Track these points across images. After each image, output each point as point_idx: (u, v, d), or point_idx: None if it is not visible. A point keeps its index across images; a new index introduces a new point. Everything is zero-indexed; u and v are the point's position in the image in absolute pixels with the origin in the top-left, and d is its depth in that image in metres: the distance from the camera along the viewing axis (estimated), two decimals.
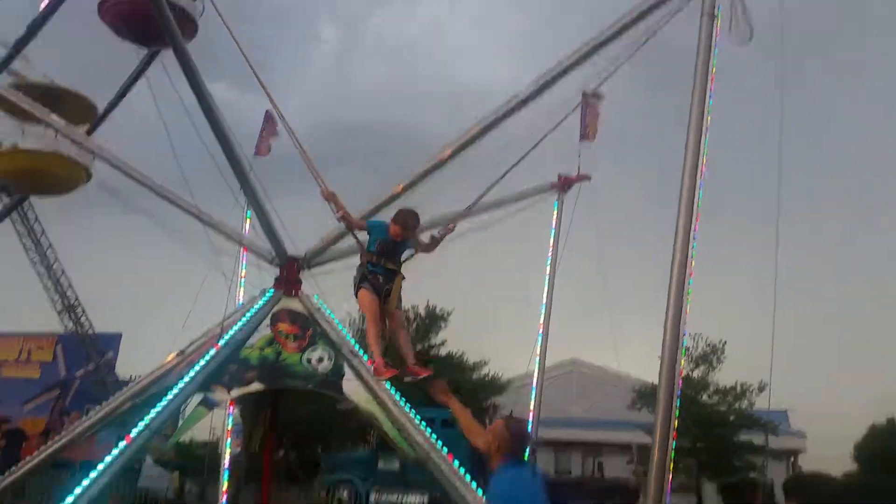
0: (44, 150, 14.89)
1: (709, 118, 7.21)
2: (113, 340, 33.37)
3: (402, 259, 5.59)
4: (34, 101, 13.53)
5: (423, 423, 9.15)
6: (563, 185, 13.43)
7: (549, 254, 13.71)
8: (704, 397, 32.41)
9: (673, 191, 7.25)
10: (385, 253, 5.41)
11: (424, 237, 5.80)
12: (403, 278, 5.55)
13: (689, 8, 7.51)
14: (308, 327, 9.33)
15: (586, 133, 12.88)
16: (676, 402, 6.82)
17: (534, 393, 13.70)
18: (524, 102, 8.77)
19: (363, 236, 5.65)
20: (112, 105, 22.59)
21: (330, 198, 5.74)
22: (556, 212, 13.64)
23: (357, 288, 5.46)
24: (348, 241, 10.07)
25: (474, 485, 8.47)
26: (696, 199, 7.08)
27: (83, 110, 18.08)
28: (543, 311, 13.65)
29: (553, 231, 13.65)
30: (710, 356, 32.64)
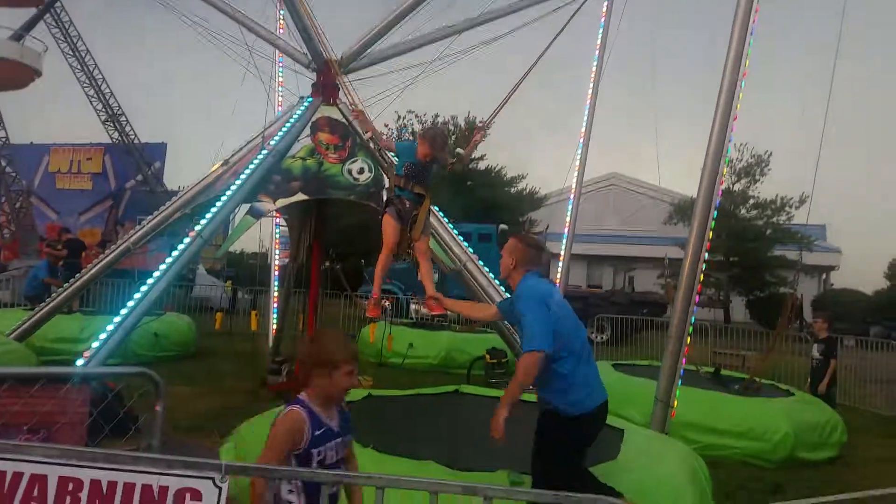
0: None
1: None
2: (158, 150, 34.01)
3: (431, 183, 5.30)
4: None
5: (461, 236, 9.38)
6: None
7: (596, 54, 13.05)
8: (742, 211, 32.32)
9: None
10: (413, 176, 5.20)
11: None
12: (430, 206, 5.34)
13: None
14: (348, 136, 9.29)
15: None
16: (713, 214, 6.83)
17: (570, 206, 13.75)
18: None
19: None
20: None
21: (358, 115, 5.53)
22: (605, 4, 12.83)
23: (382, 212, 5.34)
24: (386, 43, 9.77)
25: (508, 296, 8.84)
26: None
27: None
28: (586, 118, 13.27)
29: (601, 27, 12.90)
30: (754, 168, 32.07)
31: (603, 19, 12.74)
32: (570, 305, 4.33)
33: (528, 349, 3.93)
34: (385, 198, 5.29)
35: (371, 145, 5.43)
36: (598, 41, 12.82)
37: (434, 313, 5.45)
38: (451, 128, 39.80)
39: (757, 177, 32.15)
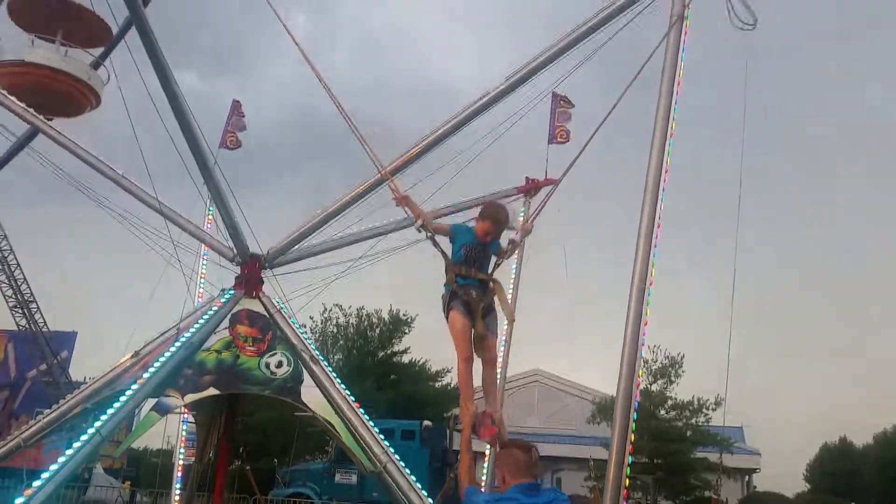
0: (50, 66, 14.16)
1: (674, 124, 7.23)
2: (68, 339, 32.52)
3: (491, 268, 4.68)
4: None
5: (383, 433, 9.02)
6: (531, 188, 13.40)
7: (515, 260, 13.65)
8: (662, 412, 32.78)
9: (638, 199, 7.30)
10: (474, 260, 4.55)
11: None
12: (499, 287, 4.65)
13: (659, 9, 7.58)
14: (268, 330, 9.13)
15: (555, 135, 12.95)
16: (633, 415, 6.83)
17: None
18: (493, 101, 8.76)
19: (444, 244, 4.75)
20: None
21: (403, 202, 5.12)
22: (521, 216, 13.62)
23: (447, 308, 4.50)
24: (313, 240, 9.95)
25: (431, 501, 8.37)
26: (658, 208, 7.12)
27: (96, 31, 17.06)
28: (506, 322, 13.57)
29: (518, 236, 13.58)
30: (669, 369, 33.08)
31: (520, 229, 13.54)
32: None
33: None
34: (445, 293, 4.48)
35: (422, 232, 4.67)
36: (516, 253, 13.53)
37: (483, 438, 4.50)
38: (375, 320, 39.96)
39: (672, 378, 33.09)
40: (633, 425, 6.68)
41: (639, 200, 7.25)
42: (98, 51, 21.67)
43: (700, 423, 32.73)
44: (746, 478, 41.68)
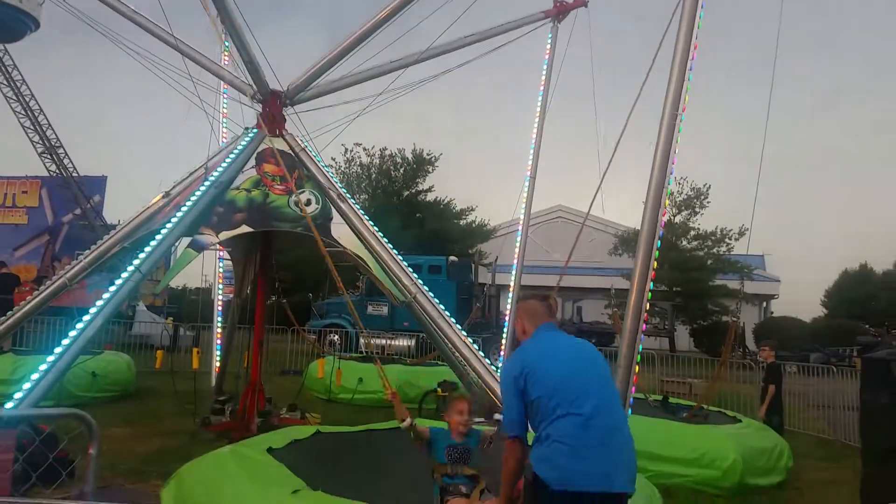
0: None
1: None
2: (98, 183, 33.06)
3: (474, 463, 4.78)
4: None
5: (411, 268, 9.29)
6: (559, 12, 12.81)
7: (541, 88, 13.31)
8: (684, 242, 33.23)
9: (672, 22, 6.94)
10: (458, 458, 4.73)
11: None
12: (485, 488, 4.65)
13: None
14: (294, 168, 9.17)
15: None
16: (657, 245, 6.93)
17: (518, 237, 13.88)
18: None
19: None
20: None
21: (392, 397, 5.25)
22: (549, 42, 13.10)
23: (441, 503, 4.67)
24: (334, 75, 9.73)
25: (458, 327, 8.76)
26: (695, 27, 6.79)
27: None
28: (532, 152, 13.49)
29: (546, 64, 13.17)
30: (694, 200, 33.11)
31: (547, 56, 13.04)
32: (577, 353, 3.72)
33: (503, 435, 3.68)
34: (436, 488, 4.69)
35: (409, 432, 4.73)
36: (543, 78, 13.10)
37: None
38: (399, 160, 39.91)
39: (697, 209, 33.17)
40: (657, 254, 6.79)
41: (674, 22, 6.90)
42: None
43: (722, 253, 33.23)
44: (764, 304, 42.90)
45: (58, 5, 10.16)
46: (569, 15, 12.74)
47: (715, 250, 33.30)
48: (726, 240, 33.09)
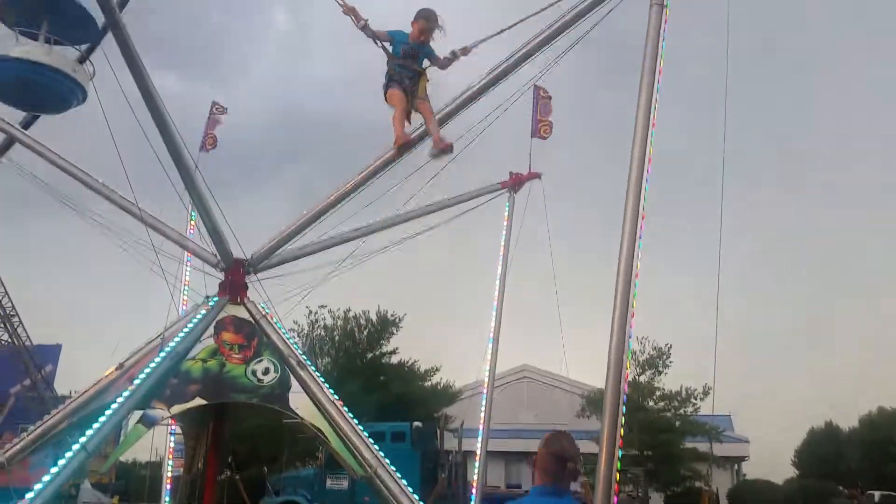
0: (36, 61, 14.04)
1: (656, 112, 7.20)
2: (52, 352, 32.10)
3: (424, 66, 6.23)
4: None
5: (373, 437, 8.97)
6: (514, 183, 13.40)
7: (501, 254, 13.66)
8: (650, 403, 32.97)
9: (623, 188, 7.28)
10: (409, 56, 6.09)
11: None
12: (428, 78, 6.24)
13: None
14: (254, 336, 9.05)
15: (537, 129, 12.99)
16: (622, 409, 6.83)
17: (484, 400, 13.64)
18: (476, 96, 8.70)
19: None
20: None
21: (350, 11, 6.23)
22: (507, 211, 13.60)
23: (386, 88, 6.11)
24: (297, 243, 9.85)
25: (418, 498, 8.33)
26: (641, 196, 7.09)
27: (82, 25, 16.94)
28: (494, 315, 13.60)
29: (504, 232, 13.61)
30: (657, 360, 33.30)
31: (505, 223, 13.56)
32: None
33: None
34: (386, 74, 6.09)
35: (366, 34, 6.18)
36: (502, 243, 13.53)
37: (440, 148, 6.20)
38: (363, 322, 39.80)
39: (660, 369, 33.29)
40: (623, 419, 6.68)
41: (622, 193, 7.25)
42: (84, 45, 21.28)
43: (688, 413, 32.95)
44: (736, 466, 42.00)
45: (20, 174, 10.36)
46: (524, 185, 13.39)
47: (682, 411, 33.06)
48: (692, 399, 32.97)
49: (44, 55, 13.10)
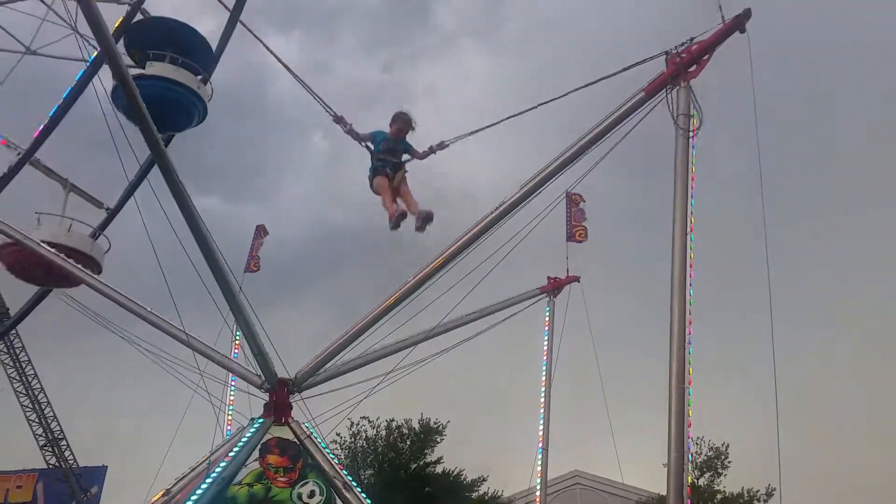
0: (55, 242, 14.95)
1: (692, 217, 7.23)
2: (98, 474, 32.04)
3: (403, 159, 7.38)
4: None
5: None
6: (553, 287, 13.45)
7: (544, 358, 13.54)
8: None
9: (665, 287, 7.22)
10: (389, 151, 7.26)
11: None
12: (406, 170, 7.34)
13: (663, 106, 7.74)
14: (298, 458, 8.97)
15: (572, 234, 13.15)
16: None
17: None
18: (511, 208, 8.88)
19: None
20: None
21: (339, 120, 7.41)
22: (547, 315, 13.56)
23: (372, 179, 7.29)
24: (341, 360, 9.87)
25: None
26: (686, 301, 7.02)
27: (202, 50, 18.22)
28: (542, 421, 13.31)
29: (546, 335, 13.53)
30: (715, 461, 31.75)
31: (546, 327, 13.49)
32: None
33: None
34: (371, 167, 7.28)
35: (351, 136, 7.50)
36: (545, 347, 13.41)
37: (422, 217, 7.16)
38: (406, 431, 39.07)
39: (719, 469, 31.71)
40: None
41: (665, 288, 7.19)
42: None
43: None
44: None
45: (68, 304, 10.69)
46: (563, 289, 13.41)
47: None
48: (754, 502, 31.18)
49: (172, 72, 14.14)
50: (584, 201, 13.65)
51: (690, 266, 6.95)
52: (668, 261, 7.32)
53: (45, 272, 14.57)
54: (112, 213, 21.52)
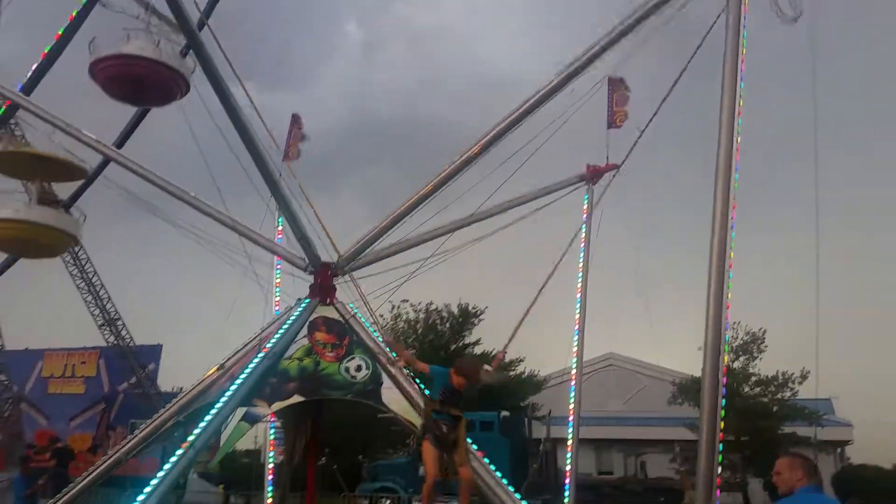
0: (146, 56, 15.46)
1: (741, 101, 7.02)
2: (154, 352, 33.93)
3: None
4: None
5: None
6: (592, 175, 13.23)
7: (582, 246, 13.53)
8: (746, 389, 31.93)
9: (707, 175, 7.11)
10: (449, 401, 5.78)
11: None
12: (467, 421, 5.89)
13: None
14: (345, 335, 9.32)
15: (613, 120, 12.76)
16: (722, 401, 6.68)
17: (573, 392, 13.57)
18: (551, 93, 8.65)
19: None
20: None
21: (394, 350, 6.53)
22: (586, 204, 13.45)
23: (421, 438, 5.82)
24: (382, 244, 10.07)
25: (512, 489, 8.37)
26: (731, 184, 6.91)
27: (72, 173, 18.85)
28: (578, 306, 13.48)
29: (584, 224, 13.47)
30: (751, 345, 32.19)
31: (585, 215, 13.40)
32: None
33: None
34: (421, 424, 5.78)
35: (408, 369, 6.38)
36: (583, 235, 13.39)
37: None
38: (445, 315, 40.18)
39: (755, 354, 32.18)
40: (722, 412, 6.53)
41: (709, 177, 7.07)
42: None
43: (786, 398, 31.76)
44: (839, 450, 40.18)
45: (124, 190, 10.95)
46: (602, 176, 13.20)
47: (779, 396, 31.86)
48: (789, 384, 31.73)
49: (153, 50, 14.14)
50: (628, 88, 13.12)
51: (737, 149, 6.78)
52: (713, 152, 7.15)
53: (138, 88, 15.04)
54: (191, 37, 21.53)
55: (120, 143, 23.03)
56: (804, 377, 30.92)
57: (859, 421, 40.08)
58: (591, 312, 14.10)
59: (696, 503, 6.43)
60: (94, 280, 30.88)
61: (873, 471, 34.56)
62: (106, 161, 16.02)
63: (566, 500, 13.03)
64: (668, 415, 33.60)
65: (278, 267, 12.80)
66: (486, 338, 39.95)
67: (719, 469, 6.49)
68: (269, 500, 13.67)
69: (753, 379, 32.05)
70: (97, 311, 31.25)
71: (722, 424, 6.52)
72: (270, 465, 14.24)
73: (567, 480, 13.28)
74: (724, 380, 6.71)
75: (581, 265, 13.61)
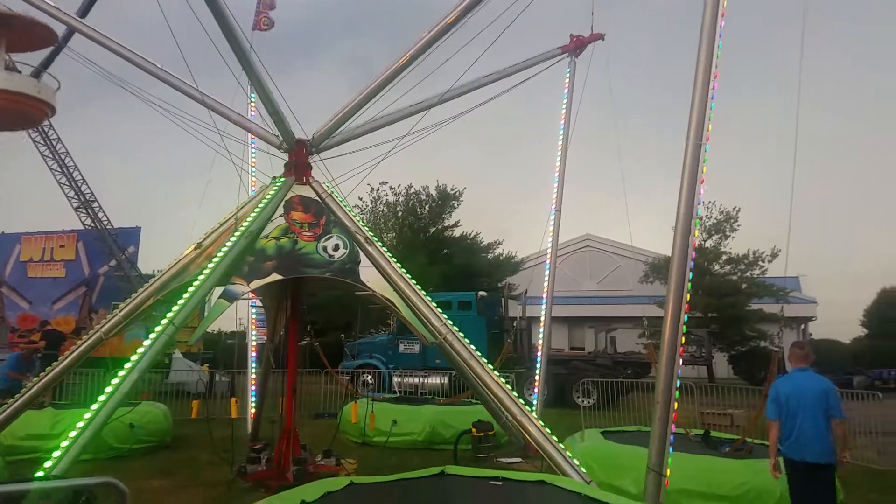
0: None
1: None
2: (132, 235, 33.75)
3: None
4: None
5: (440, 306, 9.27)
6: (576, 46, 12.89)
7: (562, 122, 13.37)
8: (717, 267, 32.75)
9: (690, 49, 6.93)
10: None
11: None
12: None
13: None
14: (322, 214, 9.28)
15: None
16: (689, 274, 6.82)
17: (547, 270, 13.85)
18: None
19: None
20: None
21: None
22: (567, 77, 13.17)
23: None
24: (357, 121, 9.85)
25: (490, 367, 8.67)
26: (714, 52, 6.75)
27: (41, 36, 17.56)
28: (556, 183, 13.50)
29: (566, 97, 13.24)
30: (724, 224, 32.74)
31: (566, 90, 13.12)
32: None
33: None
34: None
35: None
36: (563, 111, 13.18)
37: None
38: (424, 197, 40.23)
39: (727, 233, 32.77)
40: (689, 285, 6.70)
41: (692, 50, 6.88)
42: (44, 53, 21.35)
43: (755, 276, 32.67)
44: (802, 326, 41.96)
45: (86, 66, 10.48)
46: (586, 48, 12.83)
47: (748, 274, 32.76)
48: (759, 262, 32.57)
49: (5, 81, 12.84)
50: None
51: (722, 15, 6.56)
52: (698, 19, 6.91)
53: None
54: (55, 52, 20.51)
55: (83, 13, 21.91)
56: (774, 255, 31.72)
57: (824, 299, 41.66)
58: (571, 197, 14.15)
59: (658, 374, 6.70)
60: (66, 161, 30.14)
61: (832, 344, 36.36)
62: (70, 32, 15.15)
63: (537, 372, 13.63)
64: (640, 293, 34.63)
65: (253, 146, 12.59)
66: (466, 220, 40.18)
67: (683, 340, 6.71)
68: (253, 377, 14.16)
69: (724, 257, 32.81)
70: (72, 194, 30.70)
71: (688, 297, 6.70)
72: (254, 344, 14.65)
73: (539, 354, 13.85)
74: (693, 254, 6.83)
75: (560, 144, 13.52)
